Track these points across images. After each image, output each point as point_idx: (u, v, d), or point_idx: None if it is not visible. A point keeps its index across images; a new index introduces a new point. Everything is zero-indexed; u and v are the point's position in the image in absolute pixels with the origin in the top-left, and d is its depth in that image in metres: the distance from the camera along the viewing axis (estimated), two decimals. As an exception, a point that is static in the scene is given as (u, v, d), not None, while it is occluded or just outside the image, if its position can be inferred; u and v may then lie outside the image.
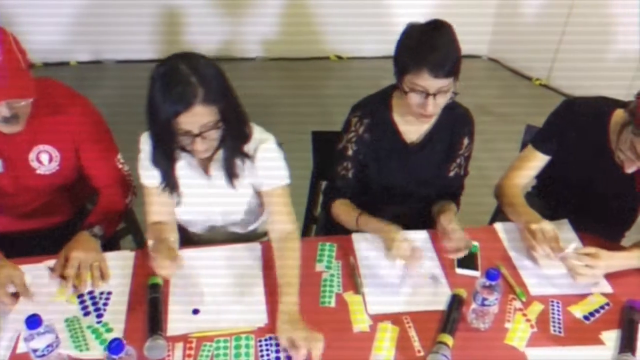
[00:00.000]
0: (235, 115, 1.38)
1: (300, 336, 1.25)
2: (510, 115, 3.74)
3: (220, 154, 1.46)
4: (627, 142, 1.43)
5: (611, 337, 1.36)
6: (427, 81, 1.45)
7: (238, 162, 1.47)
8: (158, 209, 1.53)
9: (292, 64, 4.45)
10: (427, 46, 1.44)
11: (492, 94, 4.16)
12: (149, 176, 1.48)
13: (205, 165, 1.51)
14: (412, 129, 1.68)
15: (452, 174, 1.77)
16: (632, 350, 1.29)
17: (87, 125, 1.58)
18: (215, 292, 1.44)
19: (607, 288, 1.49)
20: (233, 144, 1.43)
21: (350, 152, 1.68)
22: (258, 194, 1.59)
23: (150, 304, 1.36)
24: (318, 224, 2.13)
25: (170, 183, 1.48)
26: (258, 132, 1.50)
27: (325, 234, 1.92)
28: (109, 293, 1.43)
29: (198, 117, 1.27)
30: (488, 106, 3.95)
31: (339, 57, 4.56)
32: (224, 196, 1.55)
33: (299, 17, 4.31)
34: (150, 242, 1.44)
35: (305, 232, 2.15)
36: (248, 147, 1.47)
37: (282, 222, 1.51)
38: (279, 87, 4.18)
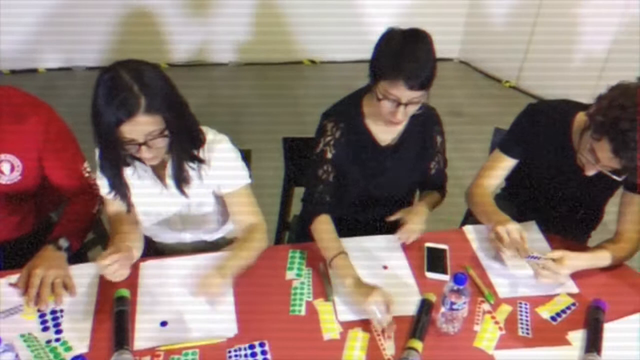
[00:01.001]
0: (182, 122, 1.36)
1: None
2: (481, 117, 3.80)
3: (171, 164, 1.45)
4: (587, 146, 1.45)
5: (577, 337, 1.38)
6: (401, 92, 1.46)
7: (188, 168, 1.46)
8: (117, 209, 1.53)
9: (265, 69, 4.44)
10: (407, 57, 1.44)
11: (463, 96, 4.21)
12: (105, 185, 1.49)
13: (160, 173, 1.50)
14: (385, 132, 1.69)
15: (433, 171, 1.81)
16: (598, 350, 1.31)
17: (50, 133, 1.55)
18: (183, 303, 1.42)
19: (574, 288, 1.52)
20: (181, 151, 1.41)
21: (329, 155, 1.67)
22: (220, 198, 1.57)
23: (116, 318, 1.33)
24: (291, 230, 2.12)
25: (119, 190, 1.46)
26: (212, 134, 1.49)
27: (298, 241, 1.91)
28: (61, 311, 1.39)
29: (141, 126, 1.26)
30: (460, 108, 4.00)
31: (312, 62, 4.56)
32: (182, 204, 1.54)
33: (271, 22, 4.30)
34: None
35: (278, 239, 2.14)
36: (202, 152, 1.46)
37: (247, 221, 1.54)
38: (252, 92, 4.16)
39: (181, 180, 1.46)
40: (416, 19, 4.12)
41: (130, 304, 1.38)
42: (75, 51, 4.19)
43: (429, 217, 1.69)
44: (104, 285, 1.45)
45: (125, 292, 1.40)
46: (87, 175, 1.65)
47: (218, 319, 1.37)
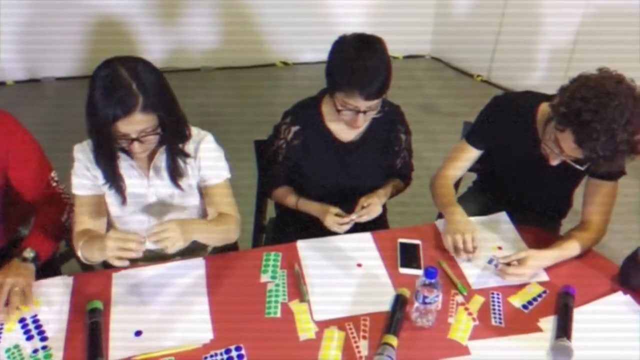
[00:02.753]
0: (174, 119, 1.40)
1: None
2: (454, 111, 3.83)
3: (159, 156, 1.48)
4: (551, 137, 1.48)
5: (548, 323, 1.41)
6: (359, 102, 1.52)
7: (180, 162, 1.49)
8: (86, 219, 1.51)
9: (238, 73, 4.42)
10: (359, 70, 1.49)
11: (436, 92, 4.25)
12: (80, 185, 1.49)
13: (144, 167, 1.51)
14: (346, 130, 1.71)
15: (399, 166, 1.86)
16: (568, 335, 1.34)
17: (14, 144, 1.53)
18: (158, 311, 1.41)
19: (544, 276, 1.55)
20: (173, 146, 1.46)
21: (280, 158, 1.75)
22: (201, 191, 1.60)
23: (89, 330, 1.32)
24: (267, 233, 2.12)
25: (114, 181, 1.47)
26: (196, 130, 1.54)
27: (274, 243, 1.92)
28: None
29: (136, 124, 1.30)
30: (433, 104, 4.04)
31: (285, 64, 4.56)
32: (164, 197, 1.56)
33: (242, 25, 4.28)
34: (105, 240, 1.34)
35: (255, 243, 2.14)
36: (188, 147, 1.50)
37: (225, 212, 1.57)
38: (226, 96, 4.15)
39: (176, 174, 1.50)
40: (386, 19, 4.18)
41: (103, 315, 1.37)
42: (44, 62, 4.12)
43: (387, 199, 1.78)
44: (77, 298, 1.43)
45: (98, 303, 1.39)
46: (54, 184, 1.63)
47: (194, 327, 1.37)
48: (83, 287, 1.47)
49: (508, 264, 1.51)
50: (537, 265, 1.53)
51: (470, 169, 1.91)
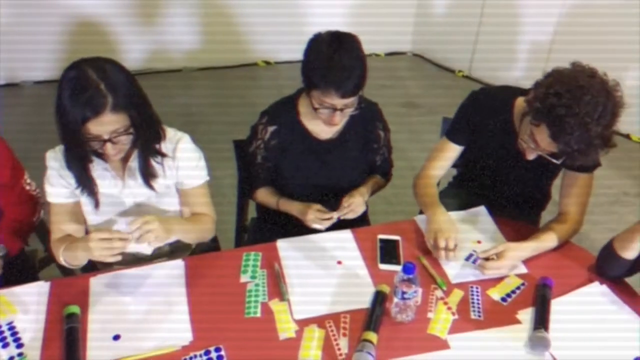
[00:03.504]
0: (146, 118, 1.39)
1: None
2: (436, 107, 3.85)
3: (133, 159, 1.47)
4: (526, 131, 1.49)
5: (526, 315, 1.42)
6: (335, 100, 1.53)
7: (154, 162, 1.48)
8: (64, 226, 1.50)
9: (219, 73, 4.40)
10: (335, 68, 1.49)
11: (418, 87, 4.27)
12: (55, 194, 1.48)
13: (118, 170, 1.50)
14: (324, 129, 1.71)
15: (379, 163, 1.86)
16: (545, 326, 1.35)
17: None
18: (136, 314, 1.40)
19: (523, 269, 1.56)
20: (146, 146, 1.44)
21: (259, 159, 1.75)
22: (178, 193, 1.59)
23: (66, 335, 1.31)
24: (248, 232, 2.11)
25: (86, 184, 1.45)
26: (172, 131, 1.52)
27: (255, 242, 1.91)
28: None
29: (107, 125, 1.29)
30: (415, 100, 4.05)
31: (267, 63, 4.55)
32: (141, 200, 1.54)
33: (223, 25, 4.26)
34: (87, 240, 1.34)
35: (238, 243, 2.13)
36: (166, 147, 1.49)
37: (201, 212, 1.58)
38: (208, 96, 4.12)
39: (148, 175, 1.48)
40: (367, 17, 4.18)
41: (80, 321, 1.36)
42: (21, 66, 4.06)
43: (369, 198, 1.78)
44: (53, 304, 1.42)
45: (75, 308, 1.37)
46: (27, 187, 1.62)
47: (173, 328, 1.36)
48: (60, 293, 1.45)
49: (487, 259, 1.52)
50: (515, 258, 1.54)
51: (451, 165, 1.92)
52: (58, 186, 1.46)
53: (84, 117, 1.25)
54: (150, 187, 1.50)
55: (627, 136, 3.65)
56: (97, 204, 1.50)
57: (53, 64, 4.00)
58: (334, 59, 1.48)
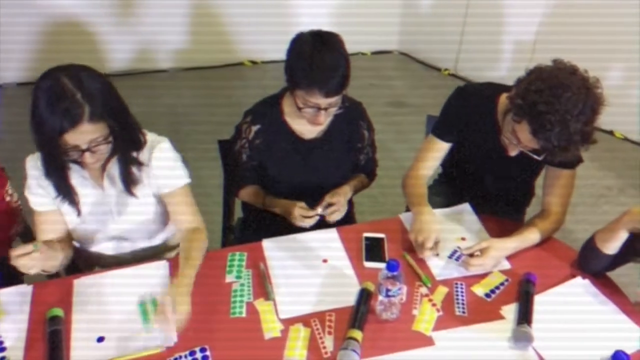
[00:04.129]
0: (125, 126, 1.37)
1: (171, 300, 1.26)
2: (422, 106, 3.86)
3: (112, 165, 1.45)
4: (509, 128, 1.51)
5: (510, 310, 1.43)
6: (319, 99, 1.53)
7: (134, 169, 1.45)
8: (49, 235, 1.49)
9: (206, 73, 4.38)
10: (318, 67, 1.49)
11: (404, 86, 4.28)
12: (37, 202, 1.46)
13: (97, 177, 1.48)
14: (308, 128, 1.71)
15: (363, 162, 1.87)
16: (528, 321, 1.36)
17: None
18: (121, 316, 1.39)
19: (506, 265, 1.57)
20: (126, 154, 1.42)
21: (244, 158, 1.75)
22: (159, 199, 1.56)
23: (49, 338, 1.30)
24: (234, 233, 2.11)
25: (66, 193, 1.43)
26: (151, 136, 1.50)
27: (241, 242, 1.91)
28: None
29: (85, 135, 1.26)
30: (402, 99, 4.07)
31: (253, 62, 4.54)
32: (120, 206, 1.52)
33: (209, 25, 4.24)
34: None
35: (224, 243, 2.13)
36: (142, 155, 1.46)
37: (187, 221, 1.55)
38: (194, 97, 4.11)
39: (130, 182, 1.46)
40: (354, 16, 4.18)
41: (64, 323, 1.35)
42: (5, 67, 4.02)
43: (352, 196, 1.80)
44: (36, 306, 1.41)
45: (58, 311, 1.36)
46: (8, 198, 1.60)
47: (157, 329, 1.35)
48: (43, 295, 1.44)
49: (471, 255, 1.53)
50: (499, 255, 1.55)
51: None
52: (39, 196, 1.44)
53: (61, 129, 1.22)
54: (132, 194, 1.48)
55: (611, 132, 3.70)
56: (79, 213, 1.48)
57: (36, 64, 3.96)
58: (317, 58, 1.49)
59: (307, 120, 1.65)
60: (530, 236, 1.60)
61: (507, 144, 1.56)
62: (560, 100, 1.35)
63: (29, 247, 1.25)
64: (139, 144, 1.44)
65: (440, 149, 1.81)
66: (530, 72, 1.47)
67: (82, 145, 1.27)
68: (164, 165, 1.49)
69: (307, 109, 1.58)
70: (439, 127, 1.81)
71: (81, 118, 1.23)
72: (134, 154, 1.44)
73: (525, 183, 1.92)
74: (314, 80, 1.50)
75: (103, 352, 1.29)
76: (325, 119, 1.62)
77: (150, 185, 1.52)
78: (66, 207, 1.47)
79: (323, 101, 1.54)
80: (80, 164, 1.38)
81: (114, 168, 1.46)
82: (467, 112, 1.73)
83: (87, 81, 1.25)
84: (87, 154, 1.30)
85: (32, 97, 1.24)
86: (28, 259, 1.25)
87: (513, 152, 1.55)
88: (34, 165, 1.42)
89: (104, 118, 1.27)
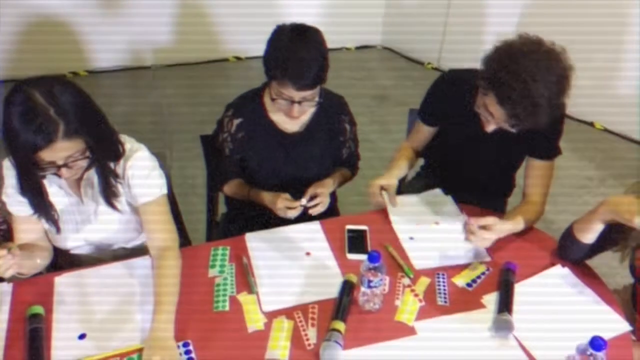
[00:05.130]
0: (102, 138, 1.31)
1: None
2: (406, 99, 3.87)
3: (89, 174, 1.41)
4: (481, 103, 1.53)
5: (491, 299, 1.45)
6: (291, 92, 1.53)
7: (113, 181, 1.42)
8: (25, 235, 1.46)
9: (190, 69, 4.35)
10: (292, 60, 1.49)
11: (388, 80, 4.29)
12: (14, 208, 1.42)
13: (74, 186, 1.45)
14: (289, 121, 1.71)
15: (345, 156, 1.88)
16: (509, 309, 1.38)
17: None
18: (103, 313, 1.38)
19: (486, 257, 1.59)
20: (104, 166, 1.38)
21: (227, 151, 1.74)
22: (136, 208, 1.52)
23: (30, 336, 1.29)
24: (219, 227, 2.11)
25: (43, 211, 1.39)
26: (129, 144, 1.45)
27: (226, 237, 1.91)
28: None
29: (61, 151, 1.21)
30: (385, 92, 4.08)
31: (238, 58, 4.52)
32: (98, 215, 1.50)
33: (193, 21, 4.21)
34: None
35: (209, 238, 2.12)
36: (118, 166, 1.42)
37: (160, 239, 1.48)
38: (178, 93, 4.07)
39: (110, 195, 1.43)
40: (338, 10, 4.17)
41: (44, 321, 1.34)
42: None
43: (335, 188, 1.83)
44: (16, 305, 1.39)
45: (38, 309, 1.35)
46: None
47: (140, 327, 1.34)
48: (23, 294, 1.42)
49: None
50: (500, 230, 1.55)
51: (418, 154, 1.95)
52: (17, 204, 1.40)
53: (35, 147, 1.17)
54: (113, 206, 1.44)
55: (591, 124, 3.74)
56: (58, 230, 1.45)
57: (18, 64, 3.91)
58: (292, 51, 1.49)
59: (282, 112, 1.65)
60: (519, 222, 1.62)
61: (483, 121, 1.57)
62: (519, 65, 1.39)
63: (3, 251, 1.22)
64: (117, 155, 1.40)
65: (425, 132, 1.86)
66: (496, 48, 1.49)
67: (58, 161, 1.23)
68: (139, 174, 1.43)
69: (280, 101, 1.58)
70: (421, 111, 1.85)
71: (56, 135, 1.17)
72: (112, 165, 1.40)
73: (506, 173, 1.94)
74: (287, 72, 1.50)
75: (84, 350, 1.29)
76: (299, 113, 1.61)
77: (126, 194, 1.48)
78: (44, 223, 1.44)
79: (296, 94, 1.53)
80: (57, 175, 1.33)
81: (90, 179, 1.42)
82: (448, 97, 1.75)
83: (61, 95, 1.19)
84: (64, 170, 1.26)
85: (4, 112, 1.17)
86: (2, 261, 1.22)
87: (489, 129, 1.56)
88: (12, 174, 1.35)
89: (80, 133, 1.22)
